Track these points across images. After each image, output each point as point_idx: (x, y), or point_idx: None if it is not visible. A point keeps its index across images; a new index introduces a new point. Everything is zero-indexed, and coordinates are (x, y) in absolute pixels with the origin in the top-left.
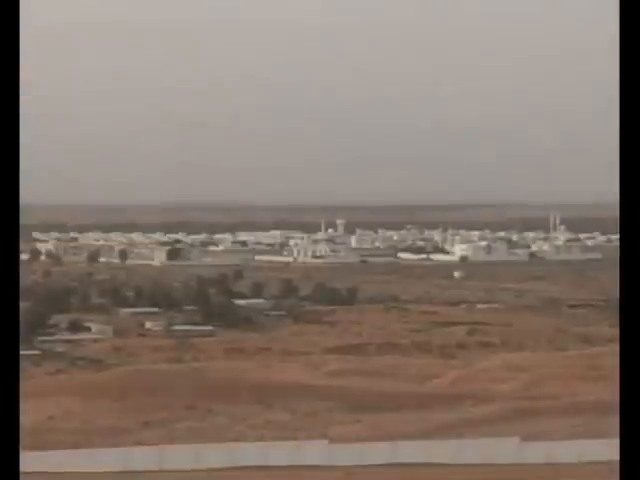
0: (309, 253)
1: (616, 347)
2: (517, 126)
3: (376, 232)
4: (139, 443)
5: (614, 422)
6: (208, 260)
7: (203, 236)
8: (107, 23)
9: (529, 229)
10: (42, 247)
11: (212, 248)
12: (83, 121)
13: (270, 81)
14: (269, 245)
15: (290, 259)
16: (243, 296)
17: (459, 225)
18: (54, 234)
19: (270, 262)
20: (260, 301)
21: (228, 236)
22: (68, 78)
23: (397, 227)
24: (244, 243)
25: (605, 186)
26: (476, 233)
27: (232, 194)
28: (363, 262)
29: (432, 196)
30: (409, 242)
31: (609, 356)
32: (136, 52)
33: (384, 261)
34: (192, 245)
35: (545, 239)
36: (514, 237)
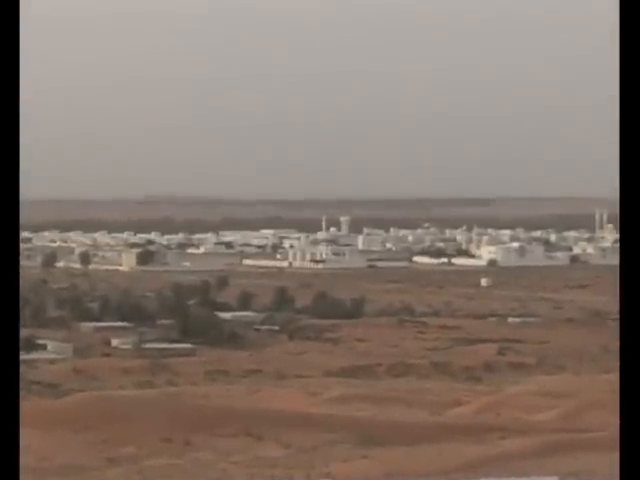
0: (307, 256)
1: None
2: (559, 107)
3: (387, 231)
4: None
5: None
6: (187, 265)
7: (181, 236)
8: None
9: (570, 228)
10: None
11: (191, 250)
12: (38, 107)
13: (269, 67)
14: (259, 247)
15: (285, 264)
16: (229, 308)
17: (487, 223)
18: None
19: (261, 267)
20: (249, 314)
21: (211, 236)
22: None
23: (412, 225)
24: (230, 244)
25: None
26: (507, 232)
27: (216, 186)
28: (371, 267)
29: (454, 188)
30: (427, 243)
31: None
32: (126, 42)
33: (397, 266)
34: (168, 247)
35: (589, 240)
36: (552, 237)
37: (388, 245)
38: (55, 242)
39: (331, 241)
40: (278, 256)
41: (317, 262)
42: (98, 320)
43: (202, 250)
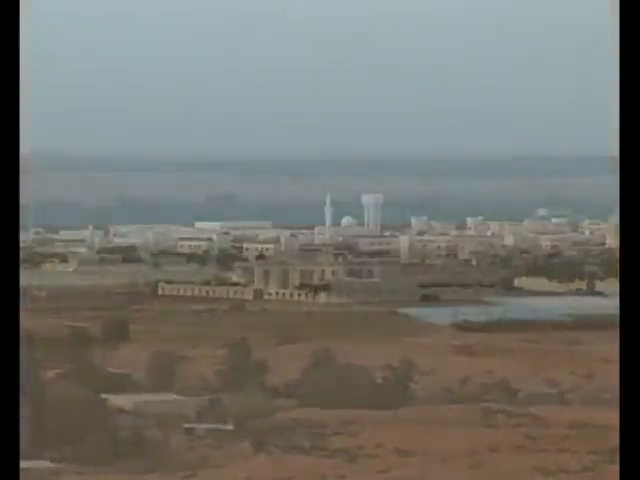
0: (294, 278)
1: None
2: None
3: (461, 226)
4: None
5: None
6: (41, 295)
7: (32, 234)
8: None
9: None
10: None
11: (50, 267)
12: None
13: None
14: (193, 257)
15: (247, 293)
16: (129, 385)
17: None
18: None
19: (196, 299)
20: (172, 398)
21: (92, 235)
22: None
23: (512, 213)
24: (131, 252)
25: None
26: None
27: (104, 136)
28: (427, 299)
29: (595, 141)
30: (542, 250)
31: None
32: None
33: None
34: None
35: None
36: None
37: (463, 255)
38: None
39: (344, 246)
40: (234, 277)
41: (314, 290)
42: None
43: (73, 266)
